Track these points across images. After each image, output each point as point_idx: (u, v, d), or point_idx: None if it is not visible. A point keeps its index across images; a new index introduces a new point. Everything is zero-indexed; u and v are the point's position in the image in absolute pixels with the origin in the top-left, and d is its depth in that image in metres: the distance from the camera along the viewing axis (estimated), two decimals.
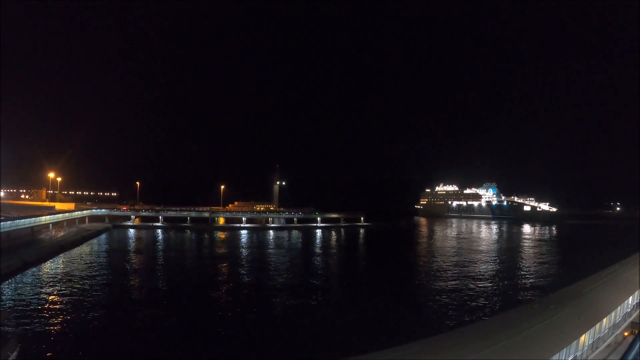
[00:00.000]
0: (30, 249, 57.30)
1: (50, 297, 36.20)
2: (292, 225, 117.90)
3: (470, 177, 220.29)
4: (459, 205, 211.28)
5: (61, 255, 58.99)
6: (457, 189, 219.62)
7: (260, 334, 28.55)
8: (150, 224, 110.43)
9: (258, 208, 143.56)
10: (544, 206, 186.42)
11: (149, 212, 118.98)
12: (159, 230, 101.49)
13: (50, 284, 41.66)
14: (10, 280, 41.72)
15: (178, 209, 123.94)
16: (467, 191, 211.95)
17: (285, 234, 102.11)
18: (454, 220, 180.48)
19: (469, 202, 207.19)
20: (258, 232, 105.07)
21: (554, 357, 12.00)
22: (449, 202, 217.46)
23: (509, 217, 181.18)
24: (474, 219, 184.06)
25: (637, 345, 5.82)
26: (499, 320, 15.36)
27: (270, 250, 72.82)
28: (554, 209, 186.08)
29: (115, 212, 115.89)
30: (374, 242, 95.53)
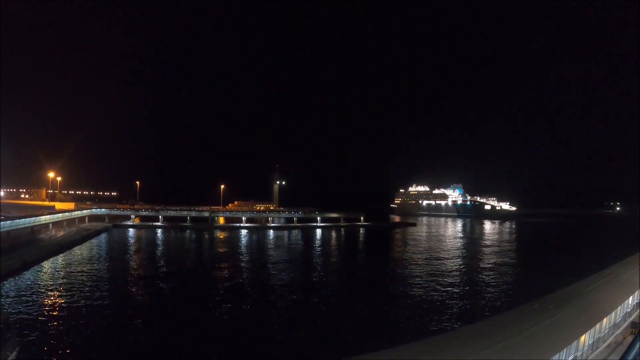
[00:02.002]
0: (30, 248, 57.28)
1: (50, 297, 36.19)
2: (292, 224, 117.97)
3: (441, 178, 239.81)
4: (429, 204, 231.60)
5: (61, 254, 58.93)
6: (427, 189, 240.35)
7: (260, 334, 28.56)
8: (150, 223, 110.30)
9: (258, 208, 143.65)
10: (504, 205, 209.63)
11: (149, 211, 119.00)
12: (159, 230, 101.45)
13: (50, 283, 41.66)
14: (10, 280, 41.70)
15: (178, 208, 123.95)
16: (436, 191, 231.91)
17: (285, 233, 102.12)
18: (424, 218, 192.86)
19: (438, 202, 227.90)
20: (258, 231, 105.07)
21: (554, 357, 12.00)
22: (420, 202, 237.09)
23: (472, 215, 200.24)
24: (442, 217, 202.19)
25: (637, 345, 5.81)
26: (499, 320, 15.36)
27: (270, 250, 72.82)
28: (514, 208, 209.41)
29: (115, 212, 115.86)
30: (374, 241, 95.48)
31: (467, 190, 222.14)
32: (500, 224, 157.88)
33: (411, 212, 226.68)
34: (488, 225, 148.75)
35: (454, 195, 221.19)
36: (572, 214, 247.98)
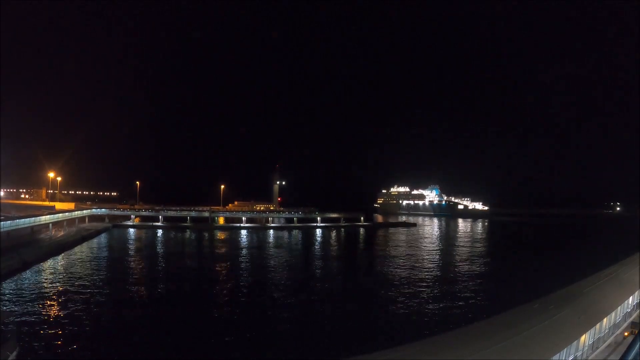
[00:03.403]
0: (30, 248, 57.26)
1: (50, 297, 36.19)
2: (292, 225, 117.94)
3: (422, 179, 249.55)
4: (408, 204, 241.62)
5: (61, 255, 58.97)
6: (408, 190, 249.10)
7: (260, 334, 28.56)
8: (150, 223, 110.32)
9: (258, 208, 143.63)
10: (478, 205, 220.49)
11: (149, 211, 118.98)
12: (159, 230, 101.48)
13: (50, 283, 41.65)
14: (10, 280, 41.70)
15: (178, 208, 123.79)
16: (415, 192, 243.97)
17: (285, 233, 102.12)
18: (404, 217, 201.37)
19: (416, 202, 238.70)
20: (258, 231, 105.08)
21: (554, 357, 11.99)
22: (401, 202, 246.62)
23: (446, 214, 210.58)
24: (419, 216, 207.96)
25: (637, 345, 5.82)
26: (499, 320, 15.35)
27: (270, 250, 72.79)
28: (486, 208, 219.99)
29: (115, 212, 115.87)
30: (374, 241, 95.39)
31: (445, 190, 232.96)
32: (472, 222, 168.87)
33: (392, 211, 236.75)
34: (462, 224, 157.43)
35: (431, 195, 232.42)
36: (547, 213, 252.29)
